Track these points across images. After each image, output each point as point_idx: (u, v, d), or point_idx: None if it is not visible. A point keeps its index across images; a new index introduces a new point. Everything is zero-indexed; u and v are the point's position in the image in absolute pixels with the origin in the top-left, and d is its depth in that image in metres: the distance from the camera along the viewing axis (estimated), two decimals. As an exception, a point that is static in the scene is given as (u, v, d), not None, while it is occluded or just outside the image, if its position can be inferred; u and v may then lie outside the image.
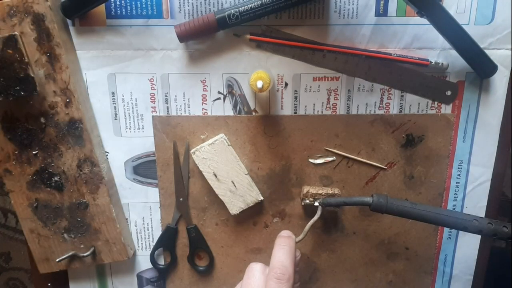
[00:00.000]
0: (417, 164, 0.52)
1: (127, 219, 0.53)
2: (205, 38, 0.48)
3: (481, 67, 0.47)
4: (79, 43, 0.48)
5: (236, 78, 0.49)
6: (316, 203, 0.48)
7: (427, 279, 0.56)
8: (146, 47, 0.48)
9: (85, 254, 0.50)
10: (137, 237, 0.54)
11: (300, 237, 0.47)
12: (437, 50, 0.48)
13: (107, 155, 0.51)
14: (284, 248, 0.43)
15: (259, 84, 0.44)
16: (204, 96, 0.50)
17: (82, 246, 0.51)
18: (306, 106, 0.50)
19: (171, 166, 0.51)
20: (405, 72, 0.49)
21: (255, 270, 0.43)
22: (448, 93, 0.50)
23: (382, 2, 0.47)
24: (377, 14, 0.47)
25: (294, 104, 0.50)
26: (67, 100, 0.46)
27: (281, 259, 0.41)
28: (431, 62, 0.48)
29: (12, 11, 0.44)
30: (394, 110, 0.51)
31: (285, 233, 0.46)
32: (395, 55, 0.48)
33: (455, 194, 0.53)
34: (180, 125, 0.50)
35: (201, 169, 0.49)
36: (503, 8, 0.47)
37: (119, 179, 0.52)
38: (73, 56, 0.47)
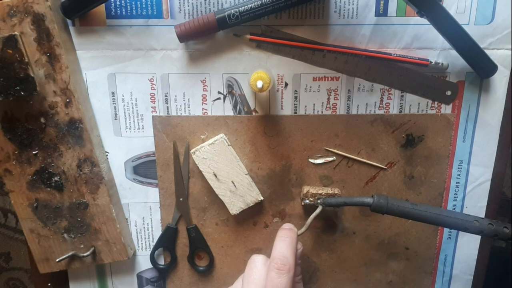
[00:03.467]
0: (417, 164, 0.52)
1: (127, 219, 0.53)
2: (205, 38, 0.48)
3: (481, 67, 0.47)
4: (79, 43, 0.48)
5: (236, 78, 0.49)
6: (318, 202, 0.48)
7: (427, 279, 0.56)
8: (146, 47, 0.48)
9: (85, 254, 0.50)
10: (137, 237, 0.54)
11: (302, 230, 0.47)
12: (437, 50, 0.48)
13: (107, 155, 0.51)
14: (285, 240, 0.43)
15: (259, 84, 0.44)
16: (204, 96, 0.50)
17: (82, 246, 0.51)
18: (306, 106, 0.50)
19: (171, 166, 0.51)
20: (405, 72, 0.49)
21: (257, 261, 0.43)
22: (448, 93, 0.50)
23: (382, 2, 0.47)
24: (377, 14, 0.47)
25: (294, 104, 0.50)
26: (67, 100, 0.46)
27: (282, 250, 0.42)
28: (431, 62, 0.48)
29: (12, 11, 0.44)
30: (394, 110, 0.51)
31: (287, 225, 0.47)
32: (395, 55, 0.48)
33: (455, 194, 0.53)
34: (180, 125, 0.50)
35: (201, 169, 0.49)
36: (503, 8, 0.47)
37: (119, 179, 0.52)
38: (73, 56, 0.47)
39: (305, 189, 0.51)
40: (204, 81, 0.49)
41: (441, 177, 0.52)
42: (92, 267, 0.54)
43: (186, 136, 0.51)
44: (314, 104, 0.50)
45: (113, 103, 0.50)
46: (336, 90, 0.50)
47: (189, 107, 0.50)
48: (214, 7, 0.47)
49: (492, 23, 0.47)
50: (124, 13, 0.47)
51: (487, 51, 0.46)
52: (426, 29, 0.47)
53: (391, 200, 0.43)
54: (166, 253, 0.54)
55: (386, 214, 0.43)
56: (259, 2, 0.45)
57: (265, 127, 0.51)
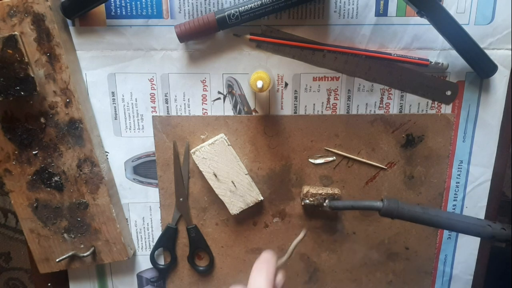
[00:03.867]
0: (417, 164, 0.52)
1: (127, 219, 0.53)
2: (205, 38, 0.48)
3: (481, 67, 0.47)
4: (79, 43, 0.48)
5: (236, 78, 0.49)
6: (324, 204, 0.48)
7: (427, 279, 0.56)
8: (146, 47, 0.48)
9: (85, 254, 0.50)
10: (137, 237, 0.54)
11: (284, 259, 0.42)
12: (437, 50, 0.48)
13: (107, 155, 0.51)
14: (261, 271, 0.39)
15: (259, 84, 0.44)
16: (204, 96, 0.50)
17: (82, 246, 0.51)
18: (306, 106, 0.50)
19: (171, 166, 0.51)
20: (405, 72, 0.49)
21: None
22: (448, 93, 0.50)
23: (382, 2, 0.47)
24: (377, 14, 0.47)
25: (294, 104, 0.50)
26: (67, 100, 0.46)
27: (257, 284, 0.38)
28: (431, 62, 0.48)
29: (12, 11, 0.44)
30: (394, 110, 0.51)
31: (266, 254, 0.41)
32: (395, 55, 0.48)
33: (455, 194, 0.53)
34: (180, 125, 0.50)
35: (201, 169, 0.49)
36: (503, 8, 0.47)
37: (119, 179, 0.52)
38: (73, 56, 0.47)
39: (305, 189, 0.51)
40: (204, 81, 0.49)
41: (441, 177, 0.52)
42: (92, 267, 0.54)
43: (186, 136, 0.51)
44: (314, 104, 0.50)
45: (113, 103, 0.50)
46: (336, 90, 0.50)
47: (189, 107, 0.50)
48: (214, 7, 0.47)
49: (492, 23, 0.47)
50: (124, 13, 0.47)
51: (487, 51, 0.46)
52: (426, 29, 0.47)
53: (402, 204, 0.41)
54: (166, 253, 0.54)
55: (396, 219, 0.42)
56: (259, 2, 0.45)
57: (265, 127, 0.51)
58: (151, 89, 0.49)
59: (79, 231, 0.51)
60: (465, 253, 0.55)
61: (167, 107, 0.50)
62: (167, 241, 0.53)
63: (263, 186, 0.52)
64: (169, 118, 0.50)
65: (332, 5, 0.47)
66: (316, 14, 0.47)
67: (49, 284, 0.55)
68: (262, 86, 0.44)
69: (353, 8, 0.47)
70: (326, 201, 0.47)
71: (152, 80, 0.49)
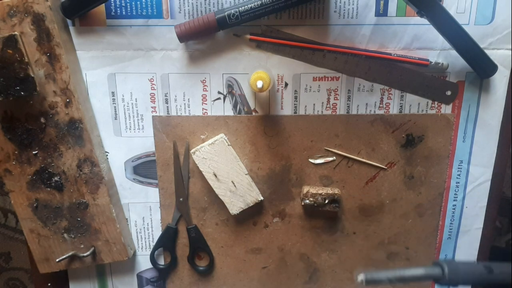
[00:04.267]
0: (417, 164, 0.52)
1: (127, 219, 0.53)
2: (205, 38, 0.48)
3: (481, 67, 0.47)
4: (79, 43, 0.48)
5: (236, 78, 0.49)
6: (360, 279, 0.37)
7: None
8: (146, 47, 0.48)
9: (85, 254, 0.50)
10: (137, 237, 0.54)
11: None
12: (437, 50, 0.48)
13: (107, 155, 0.51)
14: None
15: (259, 84, 0.44)
16: (204, 96, 0.50)
17: (82, 246, 0.51)
18: (306, 106, 0.50)
19: (171, 166, 0.51)
20: (405, 72, 0.49)
21: None
22: (448, 93, 0.50)
23: (382, 2, 0.47)
24: (377, 14, 0.47)
25: (294, 104, 0.50)
26: (67, 100, 0.46)
27: None
28: (431, 62, 0.48)
29: (12, 11, 0.44)
30: (394, 110, 0.51)
31: None
32: (395, 55, 0.48)
33: (455, 194, 0.53)
34: (180, 125, 0.50)
35: (201, 169, 0.49)
36: (503, 8, 0.47)
37: (119, 179, 0.52)
38: (73, 56, 0.47)
39: (305, 189, 0.51)
40: (204, 81, 0.49)
41: (441, 177, 0.52)
42: (92, 267, 0.54)
43: (186, 136, 0.51)
44: (314, 104, 0.50)
45: (113, 103, 0.50)
46: (336, 90, 0.50)
47: (189, 107, 0.50)
48: (214, 7, 0.47)
49: (492, 23, 0.47)
50: (124, 13, 0.47)
51: (487, 51, 0.46)
52: (426, 29, 0.47)
53: (461, 266, 0.35)
54: (166, 253, 0.54)
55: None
56: (259, 2, 0.45)
57: (265, 127, 0.51)
58: (151, 89, 0.49)
59: (79, 231, 0.51)
60: (465, 253, 0.55)
61: (167, 107, 0.50)
62: (167, 241, 0.53)
63: (263, 186, 0.52)
64: (169, 118, 0.50)
65: (332, 5, 0.47)
66: (316, 14, 0.47)
67: (49, 284, 0.55)
68: (262, 86, 0.44)
69: (353, 8, 0.47)
70: (361, 276, 0.36)
71: (152, 80, 0.49)
